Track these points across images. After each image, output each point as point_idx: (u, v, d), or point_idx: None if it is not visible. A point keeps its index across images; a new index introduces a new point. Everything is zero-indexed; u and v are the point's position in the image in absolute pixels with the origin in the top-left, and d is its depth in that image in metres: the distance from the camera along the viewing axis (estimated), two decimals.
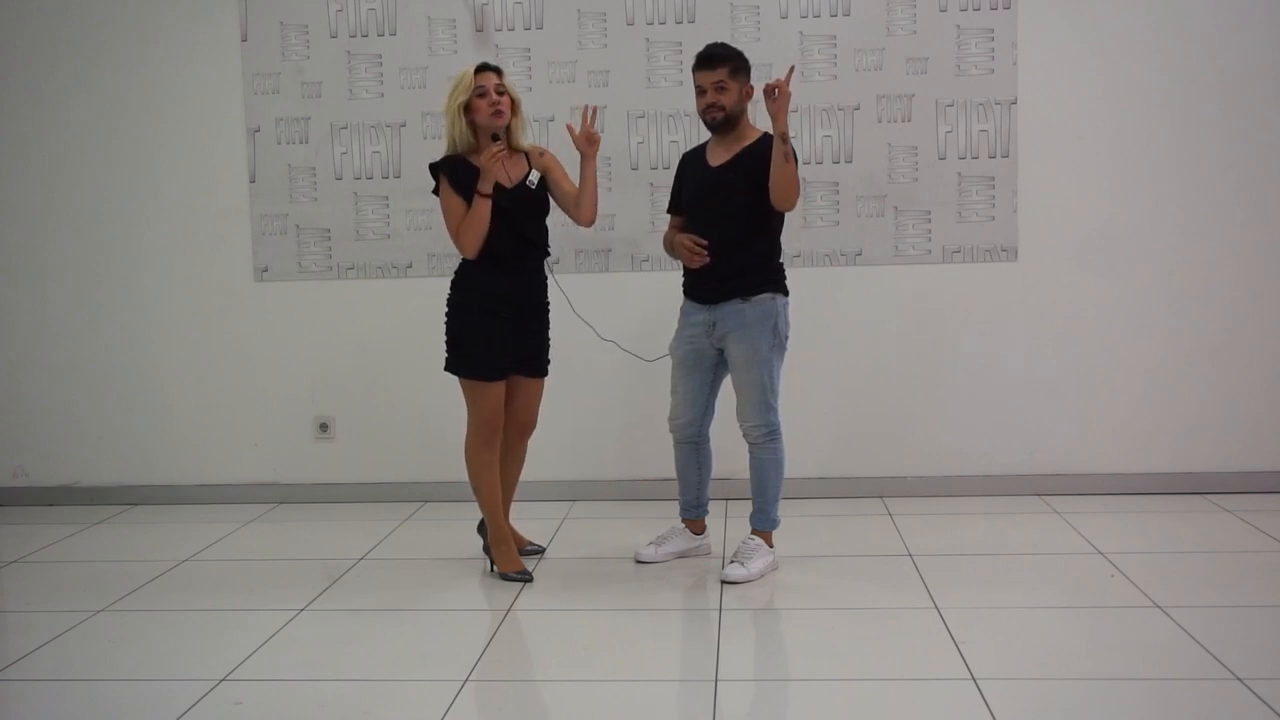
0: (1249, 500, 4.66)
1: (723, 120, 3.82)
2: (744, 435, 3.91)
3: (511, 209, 3.81)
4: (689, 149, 4.17)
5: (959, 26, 4.77)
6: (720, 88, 3.80)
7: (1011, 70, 4.76)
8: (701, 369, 3.97)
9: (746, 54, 3.87)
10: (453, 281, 3.90)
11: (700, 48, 3.88)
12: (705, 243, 3.80)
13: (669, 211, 4.10)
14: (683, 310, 4.01)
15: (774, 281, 3.89)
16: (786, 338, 3.90)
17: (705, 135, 4.03)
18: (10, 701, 3.05)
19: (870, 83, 4.80)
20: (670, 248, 4.01)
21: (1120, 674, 3.02)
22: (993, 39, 4.76)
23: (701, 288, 3.90)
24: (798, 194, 3.79)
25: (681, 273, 3.99)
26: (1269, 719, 2.69)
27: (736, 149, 3.86)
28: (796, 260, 4.76)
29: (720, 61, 3.81)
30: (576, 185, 3.91)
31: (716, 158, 3.90)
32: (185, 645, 3.42)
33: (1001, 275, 4.83)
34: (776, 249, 3.93)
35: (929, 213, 4.83)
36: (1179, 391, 4.83)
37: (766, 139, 3.85)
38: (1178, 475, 4.84)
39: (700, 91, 3.83)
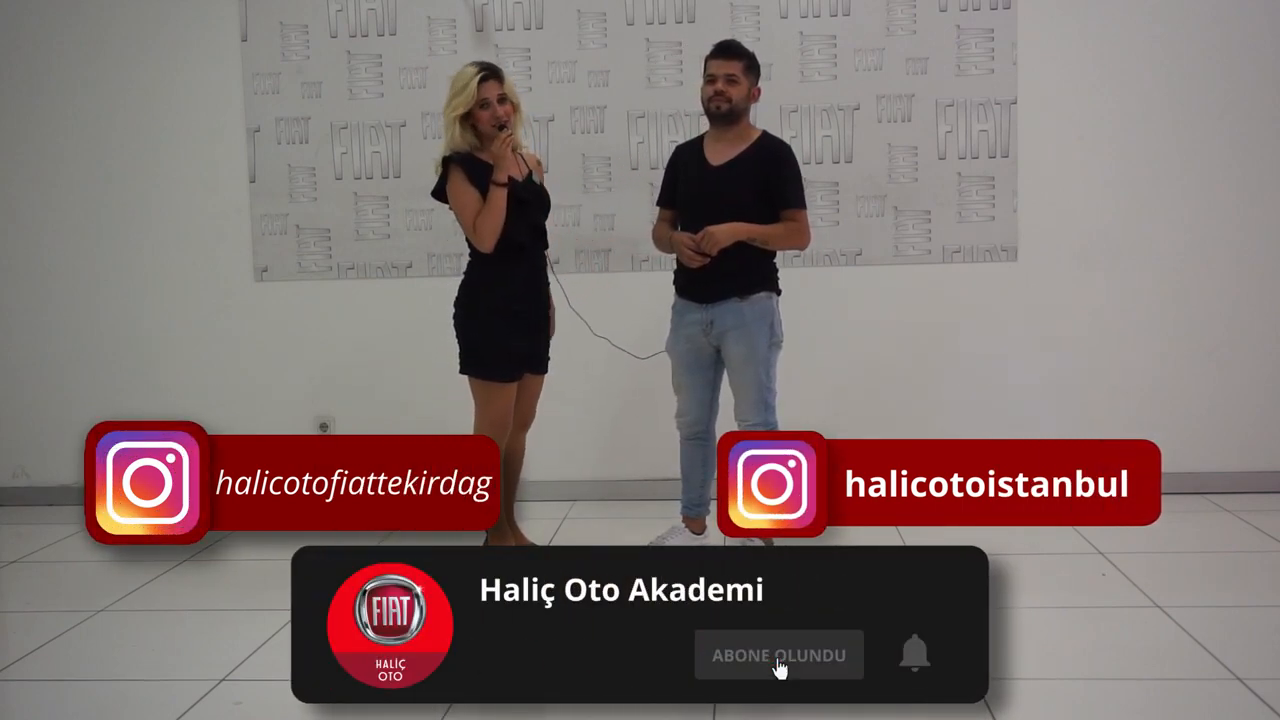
0: (1249, 500, 4.66)
1: (727, 111, 3.82)
2: None
3: (527, 198, 3.80)
4: (683, 142, 4.15)
5: (959, 26, 4.77)
6: (731, 79, 3.80)
7: (1011, 70, 4.76)
8: (703, 366, 3.96)
9: None
10: (463, 282, 3.86)
11: (700, 47, 3.90)
12: (712, 254, 3.76)
13: (660, 204, 4.07)
14: (675, 309, 3.99)
15: (769, 281, 3.89)
16: (782, 336, 3.91)
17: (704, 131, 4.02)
18: (10, 701, 3.04)
19: (870, 83, 4.80)
20: (663, 243, 4.00)
21: (1120, 674, 3.02)
22: (993, 39, 4.76)
23: (698, 287, 3.88)
24: (802, 240, 3.89)
25: (674, 269, 3.98)
26: (1269, 719, 2.70)
27: (740, 147, 3.86)
28: (796, 260, 4.76)
29: (737, 55, 3.83)
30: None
31: (716, 155, 3.89)
32: (185, 645, 3.42)
33: (1001, 275, 4.83)
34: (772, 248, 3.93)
35: (929, 213, 4.83)
36: (1179, 391, 4.83)
37: (766, 139, 3.87)
38: (1178, 475, 4.81)
39: (710, 79, 3.83)
